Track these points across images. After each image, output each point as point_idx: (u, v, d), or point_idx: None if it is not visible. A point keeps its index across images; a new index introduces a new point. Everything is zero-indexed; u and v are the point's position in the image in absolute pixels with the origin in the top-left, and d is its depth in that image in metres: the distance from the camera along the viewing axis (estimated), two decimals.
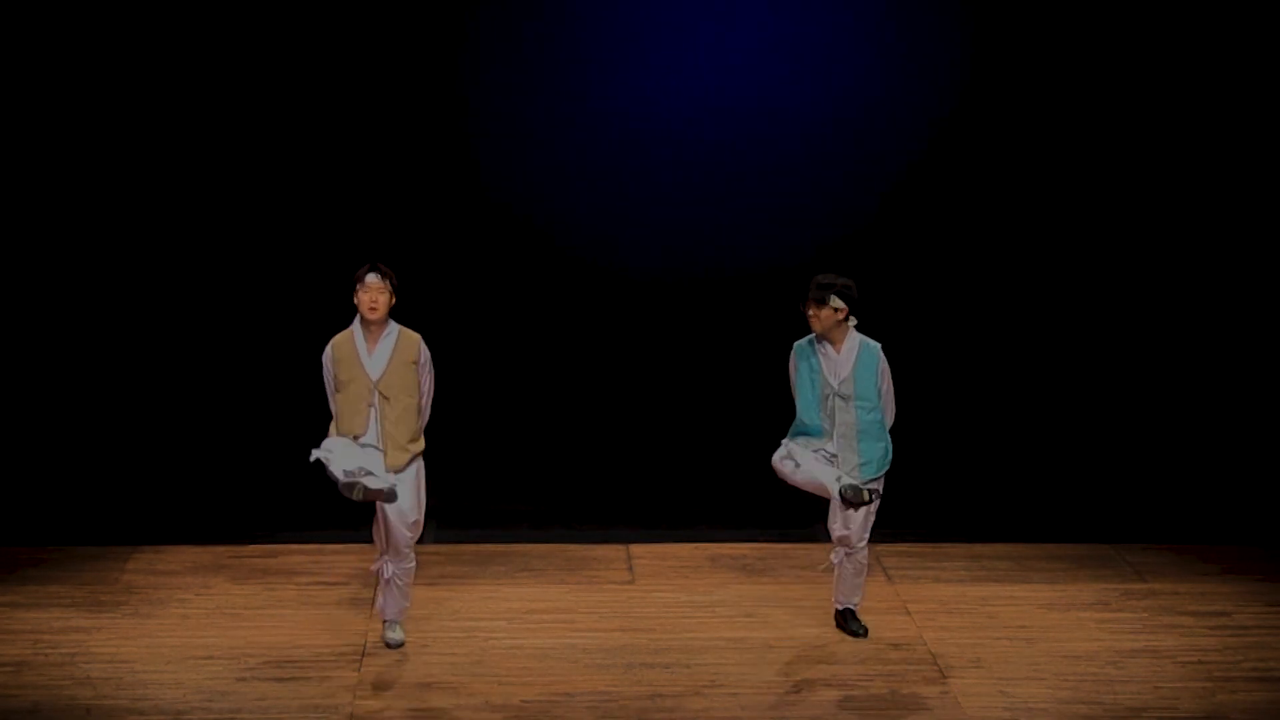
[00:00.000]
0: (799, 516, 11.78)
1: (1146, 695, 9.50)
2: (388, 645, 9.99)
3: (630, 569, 11.35)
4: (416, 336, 9.78)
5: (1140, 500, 12.16)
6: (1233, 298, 12.13)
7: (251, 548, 11.55)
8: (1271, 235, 12.05)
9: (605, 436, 12.18)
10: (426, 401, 9.83)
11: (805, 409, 9.94)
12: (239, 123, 11.72)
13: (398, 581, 9.94)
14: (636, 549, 11.68)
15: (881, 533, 11.69)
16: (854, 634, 10.23)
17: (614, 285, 12.11)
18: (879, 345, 9.94)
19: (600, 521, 12.05)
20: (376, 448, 9.65)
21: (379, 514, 9.73)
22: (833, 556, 10.17)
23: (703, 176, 11.98)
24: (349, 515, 11.59)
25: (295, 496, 11.68)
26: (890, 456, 9.96)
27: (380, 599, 10.07)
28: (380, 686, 9.53)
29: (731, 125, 11.94)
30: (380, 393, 9.65)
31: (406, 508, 9.70)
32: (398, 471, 9.65)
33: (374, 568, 10.01)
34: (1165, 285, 12.14)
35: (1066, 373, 12.21)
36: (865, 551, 10.14)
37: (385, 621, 10.07)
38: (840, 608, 10.32)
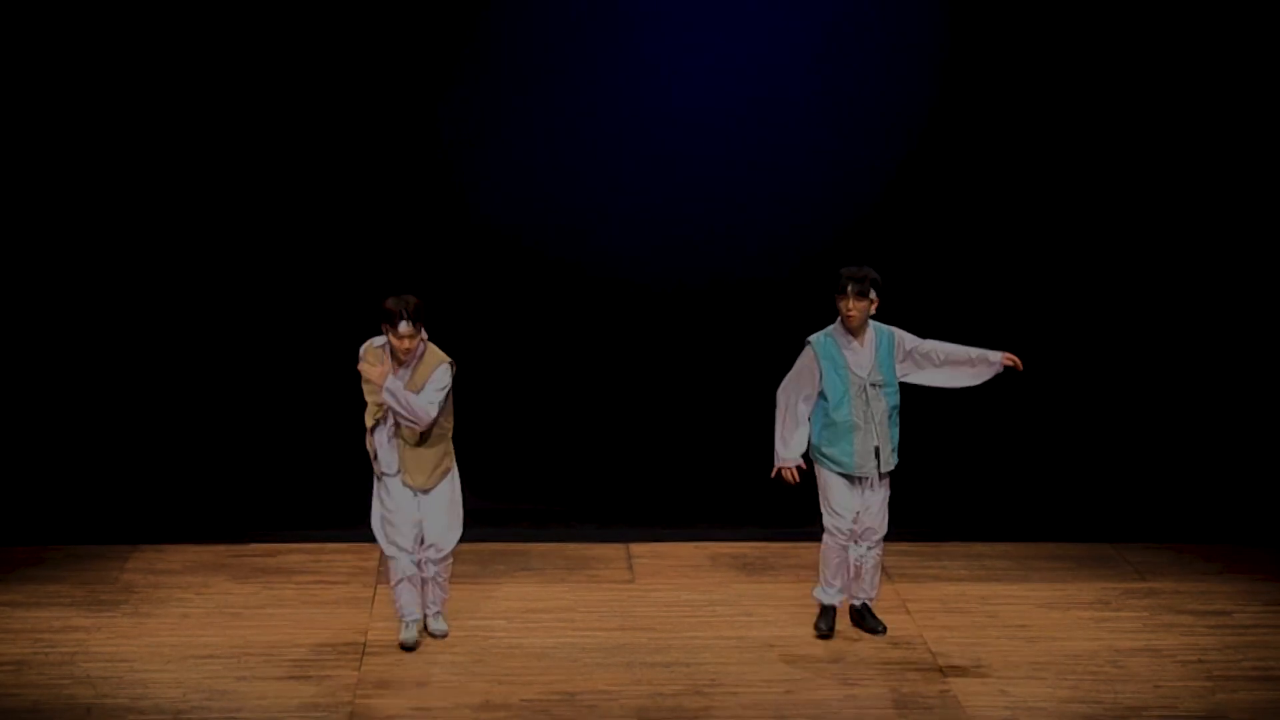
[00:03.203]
0: (799, 515, 11.78)
1: (1146, 694, 9.50)
2: (433, 635, 10.11)
3: (630, 568, 11.35)
4: (436, 361, 9.81)
5: (1140, 500, 12.15)
6: (1233, 298, 12.12)
7: (251, 547, 11.55)
8: (1271, 235, 12.04)
9: (605, 436, 12.17)
10: (415, 405, 9.73)
11: (837, 405, 9.92)
12: (237, 124, 11.71)
13: (430, 582, 10.11)
14: (636, 548, 11.68)
15: None
16: (873, 630, 10.25)
17: (614, 286, 12.09)
18: (892, 328, 9.98)
19: (600, 520, 12.05)
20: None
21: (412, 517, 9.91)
22: (850, 554, 10.17)
23: (702, 179, 11.97)
24: (349, 515, 11.61)
25: (295, 496, 11.69)
26: None
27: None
28: (381, 685, 9.53)
29: (728, 129, 11.93)
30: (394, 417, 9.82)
31: (431, 530, 9.94)
32: (425, 491, 9.87)
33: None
34: (1165, 285, 12.13)
35: (1067, 372, 12.20)
36: (883, 546, 10.20)
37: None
38: (857, 604, 10.31)
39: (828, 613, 10.26)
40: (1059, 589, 10.97)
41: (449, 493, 9.98)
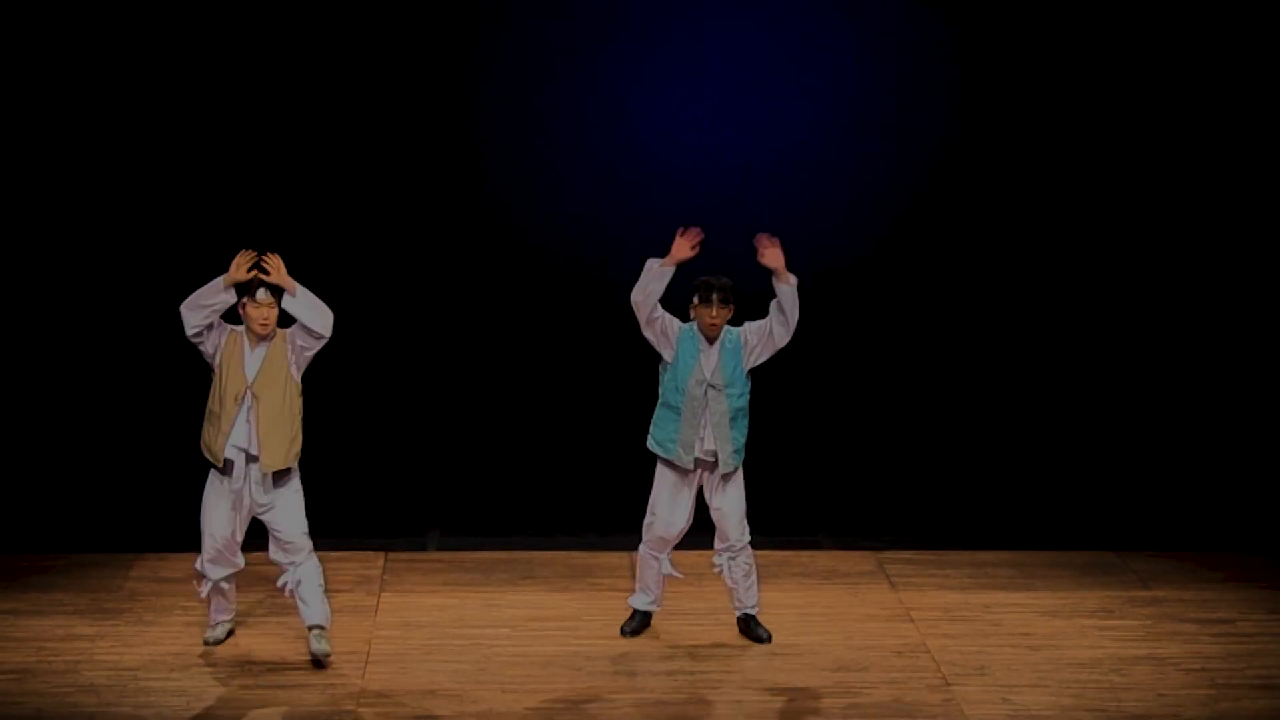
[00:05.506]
0: (800, 523, 11.80)
1: (1150, 702, 9.49)
2: (315, 656, 9.88)
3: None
4: (283, 333, 9.82)
5: (1144, 508, 12.15)
6: (1235, 306, 12.13)
7: (253, 555, 11.53)
8: (1271, 241, 12.05)
9: (607, 443, 12.15)
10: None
11: (673, 391, 9.98)
12: (234, 128, 11.74)
13: (307, 586, 9.90)
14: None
15: (885, 539, 11.73)
16: (758, 639, 10.20)
17: (616, 293, 12.10)
18: (730, 329, 10.01)
19: (603, 529, 12.05)
20: (244, 450, 9.68)
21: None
22: (715, 559, 10.17)
23: (706, 186, 11.98)
24: (350, 523, 11.63)
25: None
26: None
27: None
28: (383, 694, 9.53)
29: (732, 139, 11.95)
30: (253, 393, 9.70)
31: (286, 529, 9.79)
32: (275, 473, 9.71)
33: (279, 583, 9.98)
34: (1168, 293, 12.14)
35: (1070, 380, 12.21)
36: (749, 552, 10.12)
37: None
38: (739, 613, 10.29)
39: (634, 616, 10.35)
40: (1062, 597, 10.97)
41: (297, 487, 9.82)
